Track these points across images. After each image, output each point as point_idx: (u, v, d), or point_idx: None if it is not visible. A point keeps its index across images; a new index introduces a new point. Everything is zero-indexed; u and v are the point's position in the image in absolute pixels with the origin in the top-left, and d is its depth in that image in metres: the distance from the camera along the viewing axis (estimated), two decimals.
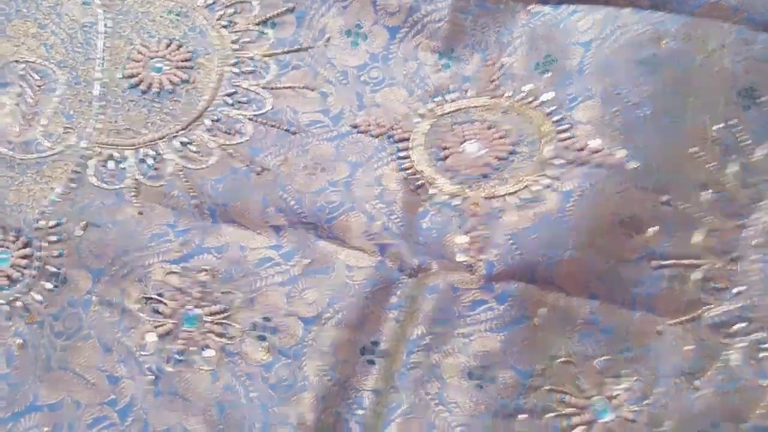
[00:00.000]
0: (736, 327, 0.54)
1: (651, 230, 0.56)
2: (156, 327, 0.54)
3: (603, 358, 0.53)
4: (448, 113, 0.63)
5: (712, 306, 0.55)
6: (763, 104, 0.60)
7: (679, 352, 0.54)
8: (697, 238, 0.57)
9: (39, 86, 0.64)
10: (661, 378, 0.53)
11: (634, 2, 0.64)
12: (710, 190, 0.58)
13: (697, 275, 0.56)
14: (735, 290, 0.55)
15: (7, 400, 0.52)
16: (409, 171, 0.60)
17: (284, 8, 0.67)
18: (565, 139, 0.59)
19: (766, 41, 0.61)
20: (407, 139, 0.61)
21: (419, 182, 0.59)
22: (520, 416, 0.51)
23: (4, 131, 0.61)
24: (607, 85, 0.60)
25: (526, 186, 0.57)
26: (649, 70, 0.60)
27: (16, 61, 0.65)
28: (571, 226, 0.55)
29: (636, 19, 0.62)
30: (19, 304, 0.55)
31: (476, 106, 0.63)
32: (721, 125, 0.60)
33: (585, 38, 0.63)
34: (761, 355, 0.53)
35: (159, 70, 0.65)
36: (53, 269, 0.56)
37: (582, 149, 0.58)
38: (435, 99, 0.64)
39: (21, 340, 0.54)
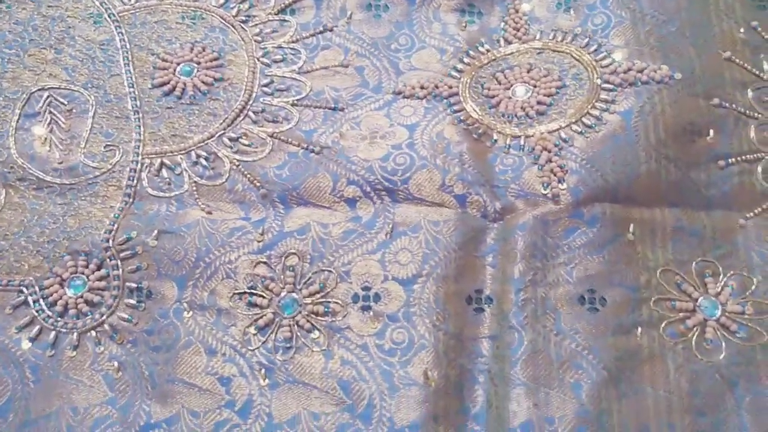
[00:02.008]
0: None
1: (711, 132, 0.58)
2: (256, 320, 0.52)
3: (698, 260, 0.55)
4: (487, 64, 0.64)
5: None
6: None
7: (763, 240, 0.55)
8: (752, 133, 0.59)
9: (69, 110, 0.61)
10: (756, 268, 0.54)
11: None
12: (750, 88, 0.61)
13: (760, 167, 0.58)
14: None
15: (121, 424, 0.49)
16: (468, 122, 0.60)
17: None
18: (608, 65, 0.61)
19: None
20: (456, 94, 0.62)
21: (480, 130, 0.60)
22: (638, 329, 0.52)
23: (46, 160, 0.59)
24: (633, 9, 0.62)
25: (587, 113, 0.58)
26: None
27: (40, 90, 0.62)
28: (639, 141, 0.56)
29: None
30: (106, 327, 0.53)
31: (511, 53, 0.64)
32: (743, 28, 0.63)
33: None
34: None
35: (189, 73, 0.63)
36: (134, 285, 0.54)
37: (628, 70, 0.60)
38: (469, 53, 0.65)
39: (117, 363, 0.51)
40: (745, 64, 0.61)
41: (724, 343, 0.51)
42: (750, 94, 0.60)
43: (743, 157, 0.58)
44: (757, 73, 0.61)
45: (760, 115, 0.60)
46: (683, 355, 0.51)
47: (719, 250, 0.55)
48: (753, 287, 0.54)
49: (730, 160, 0.57)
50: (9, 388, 0.50)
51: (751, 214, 0.56)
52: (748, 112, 0.59)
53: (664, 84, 0.58)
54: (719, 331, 0.52)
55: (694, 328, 0.52)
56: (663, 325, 0.52)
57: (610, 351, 0.50)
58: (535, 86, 0.61)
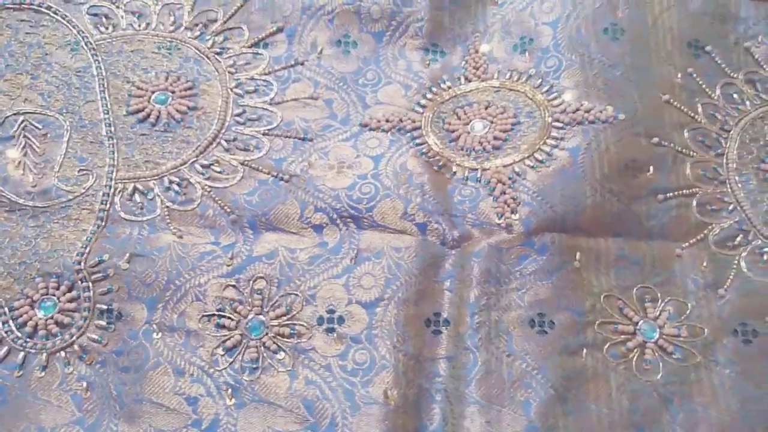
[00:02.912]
0: (737, 239, 0.62)
1: (651, 169, 0.63)
2: (223, 341, 0.55)
3: (639, 286, 0.59)
4: (448, 100, 0.68)
5: (713, 225, 0.63)
6: (709, 51, 0.70)
7: (698, 269, 0.60)
8: (687, 170, 0.64)
9: (44, 135, 0.63)
10: (690, 294, 0.59)
11: None
12: (686, 129, 0.66)
13: (695, 201, 0.63)
14: (729, 208, 0.63)
15: None
16: (429, 154, 0.64)
17: (273, 28, 0.70)
18: (558, 105, 0.66)
19: (699, 0, 0.71)
20: (419, 128, 0.66)
21: (441, 162, 0.63)
22: (584, 350, 0.56)
23: (20, 183, 0.60)
24: (582, 54, 0.68)
25: (538, 148, 0.63)
26: (614, 36, 0.68)
27: (15, 114, 0.64)
28: (586, 176, 0.61)
29: None
30: (75, 347, 0.54)
31: (470, 90, 0.69)
32: (681, 74, 0.69)
33: (551, 18, 0.71)
34: (765, 258, 0.61)
35: (163, 101, 0.66)
36: (104, 306, 0.55)
37: (577, 110, 0.65)
38: (432, 90, 0.69)
39: (86, 383, 0.53)
40: (682, 107, 0.67)
41: (661, 364, 0.56)
42: (686, 134, 0.66)
43: (680, 192, 0.63)
44: (693, 115, 0.67)
45: (695, 154, 0.65)
46: (624, 374, 0.55)
47: (658, 277, 0.60)
48: (688, 312, 0.58)
49: (668, 195, 0.63)
50: None
51: (687, 244, 0.61)
52: (684, 150, 0.65)
53: (609, 123, 0.63)
54: (657, 352, 0.56)
55: (635, 350, 0.56)
56: (606, 346, 0.56)
57: (557, 371, 0.54)
58: (492, 122, 0.66)
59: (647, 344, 0.57)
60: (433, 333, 0.56)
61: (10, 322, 0.54)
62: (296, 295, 0.56)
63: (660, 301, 0.59)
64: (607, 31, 0.69)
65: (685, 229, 0.62)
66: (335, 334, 0.55)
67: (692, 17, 0.71)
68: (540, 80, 0.68)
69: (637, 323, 0.58)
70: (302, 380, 0.53)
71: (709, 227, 0.62)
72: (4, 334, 0.54)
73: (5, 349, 0.54)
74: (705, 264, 0.60)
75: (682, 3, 0.71)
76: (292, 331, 0.55)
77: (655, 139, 0.64)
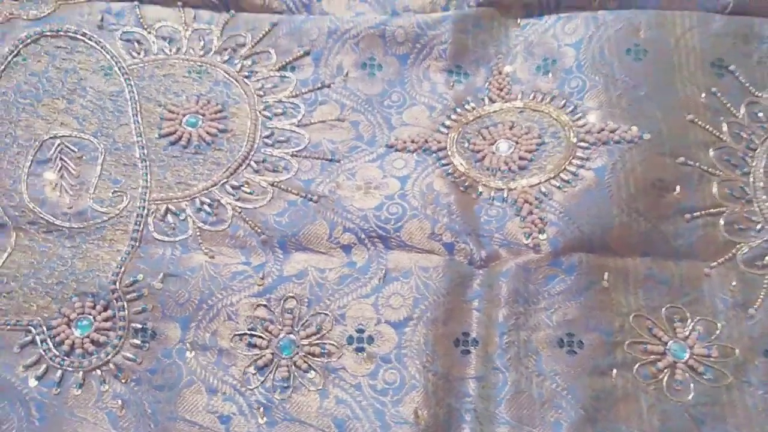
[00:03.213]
0: (766, 258, 0.62)
1: (678, 188, 0.63)
2: (255, 360, 0.55)
3: (667, 306, 0.59)
4: (472, 120, 0.69)
5: (742, 244, 0.62)
6: (733, 71, 0.70)
7: (727, 288, 0.60)
8: (714, 189, 0.64)
9: (79, 157, 0.65)
10: (720, 313, 0.59)
11: (604, 5, 0.73)
12: (712, 148, 0.67)
13: (722, 221, 0.63)
14: (757, 227, 0.63)
15: None
16: (455, 175, 0.65)
17: (300, 52, 0.72)
18: (583, 125, 0.66)
19: (721, 20, 0.71)
20: (444, 148, 0.67)
21: (467, 183, 0.64)
22: (614, 371, 0.56)
23: (56, 205, 0.62)
24: (606, 74, 0.68)
25: (564, 168, 0.63)
26: (637, 57, 0.69)
27: (52, 138, 0.66)
28: (612, 196, 0.61)
29: (611, 18, 0.72)
30: (111, 366, 0.55)
31: (494, 111, 0.70)
32: (704, 93, 0.69)
33: (573, 39, 0.72)
34: None
35: (194, 124, 0.67)
36: (139, 325, 0.57)
37: (602, 130, 0.65)
38: (456, 111, 0.70)
39: (120, 401, 0.54)
40: (707, 126, 0.67)
41: (692, 384, 0.56)
42: (712, 153, 0.66)
43: (707, 211, 0.63)
44: (718, 134, 0.67)
45: (721, 173, 0.65)
46: (655, 395, 0.55)
47: (687, 297, 0.60)
48: (717, 331, 0.58)
49: (695, 214, 0.63)
50: (14, 426, 0.52)
51: (715, 263, 0.61)
52: (710, 169, 0.65)
53: (634, 143, 0.64)
54: (688, 372, 0.56)
55: (665, 370, 0.56)
56: (636, 366, 0.56)
57: (587, 391, 0.54)
58: (517, 142, 0.66)
59: (677, 364, 0.56)
60: (462, 353, 0.56)
61: (48, 340, 0.56)
62: (326, 314, 0.57)
63: (689, 320, 0.59)
64: (630, 51, 0.69)
65: (713, 249, 0.62)
66: (365, 354, 0.56)
67: (715, 37, 0.71)
68: (564, 101, 0.69)
69: (666, 343, 0.57)
70: (333, 399, 0.54)
71: (738, 246, 0.62)
72: (43, 353, 0.55)
73: (44, 367, 0.55)
74: (734, 283, 0.60)
75: (704, 23, 0.71)
76: (322, 350, 0.56)
77: (681, 159, 0.64)
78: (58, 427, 0.52)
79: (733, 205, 0.64)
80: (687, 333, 0.58)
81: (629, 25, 0.71)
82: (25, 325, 0.56)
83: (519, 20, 0.74)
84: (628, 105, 0.67)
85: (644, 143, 0.64)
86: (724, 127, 0.68)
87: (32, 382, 0.54)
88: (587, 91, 0.68)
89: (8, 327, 0.56)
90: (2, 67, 0.69)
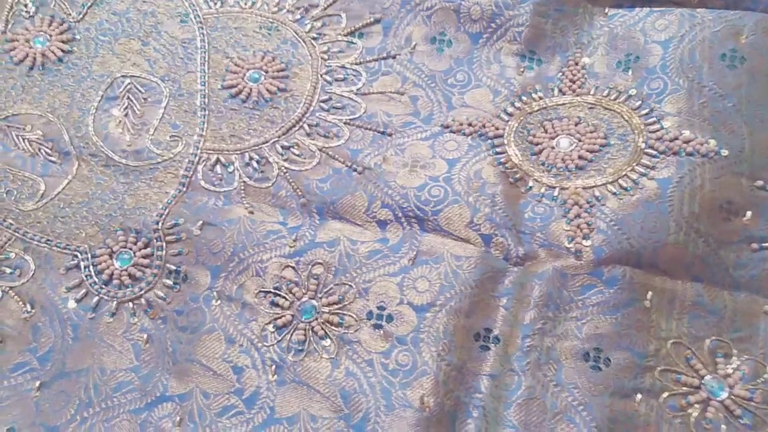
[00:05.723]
0: None
1: (748, 214, 0.57)
2: (275, 319, 0.56)
3: (713, 338, 0.55)
4: (537, 111, 0.66)
5: None
6: None
7: None
8: None
9: (145, 99, 0.67)
10: None
11: (707, 2, 0.67)
12: None
13: None
14: None
15: (140, 391, 0.54)
16: (507, 165, 0.62)
17: (371, 19, 0.71)
18: (656, 131, 0.61)
19: None
20: (501, 136, 0.64)
21: (518, 175, 0.61)
22: (638, 396, 0.52)
23: (117, 141, 0.65)
24: (692, 79, 0.63)
25: (625, 174, 0.59)
26: (731, 64, 0.63)
27: (123, 76, 0.68)
28: (672, 211, 0.56)
29: (711, 18, 0.65)
30: (142, 301, 0.58)
31: (563, 104, 0.66)
32: None
33: (663, 37, 0.66)
34: None
35: (256, 80, 0.68)
36: (173, 267, 0.59)
37: (675, 139, 0.60)
38: (522, 98, 0.67)
39: (146, 335, 0.56)
40: None
41: (724, 426, 0.51)
42: None
43: None
44: None
45: None
46: (679, 429, 0.51)
47: (738, 332, 0.55)
48: (766, 375, 0.53)
49: (764, 245, 0.57)
50: (51, 341, 0.56)
51: None
52: None
53: (709, 158, 0.59)
54: (722, 413, 0.52)
55: (696, 405, 0.52)
56: (665, 395, 0.52)
57: (605, 411, 0.51)
58: (579, 140, 0.63)
59: (712, 402, 0.52)
60: (480, 348, 0.55)
61: (91, 267, 0.59)
62: (350, 286, 0.57)
63: (735, 358, 0.54)
64: (725, 57, 0.63)
65: None
66: (382, 331, 0.55)
67: None
68: (640, 102, 0.64)
69: (703, 377, 0.53)
70: (343, 370, 0.54)
71: None
72: (84, 278, 0.59)
73: (83, 291, 0.58)
74: None
75: None
76: (340, 321, 0.56)
77: (759, 182, 0.58)
78: (88, 350, 0.56)
79: None
80: (730, 371, 0.53)
81: (730, 27, 0.64)
82: (73, 249, 0.60)
83: (607, 9, 0.69)
84: (711, 116, 0.61)
85: (720, 160, 0.58)
86: None
87: (71, 304, 0.58)
88: (668, 94, 0.63)
89: (58, 249, 0.60)
90: (89, 3, 0.72)
